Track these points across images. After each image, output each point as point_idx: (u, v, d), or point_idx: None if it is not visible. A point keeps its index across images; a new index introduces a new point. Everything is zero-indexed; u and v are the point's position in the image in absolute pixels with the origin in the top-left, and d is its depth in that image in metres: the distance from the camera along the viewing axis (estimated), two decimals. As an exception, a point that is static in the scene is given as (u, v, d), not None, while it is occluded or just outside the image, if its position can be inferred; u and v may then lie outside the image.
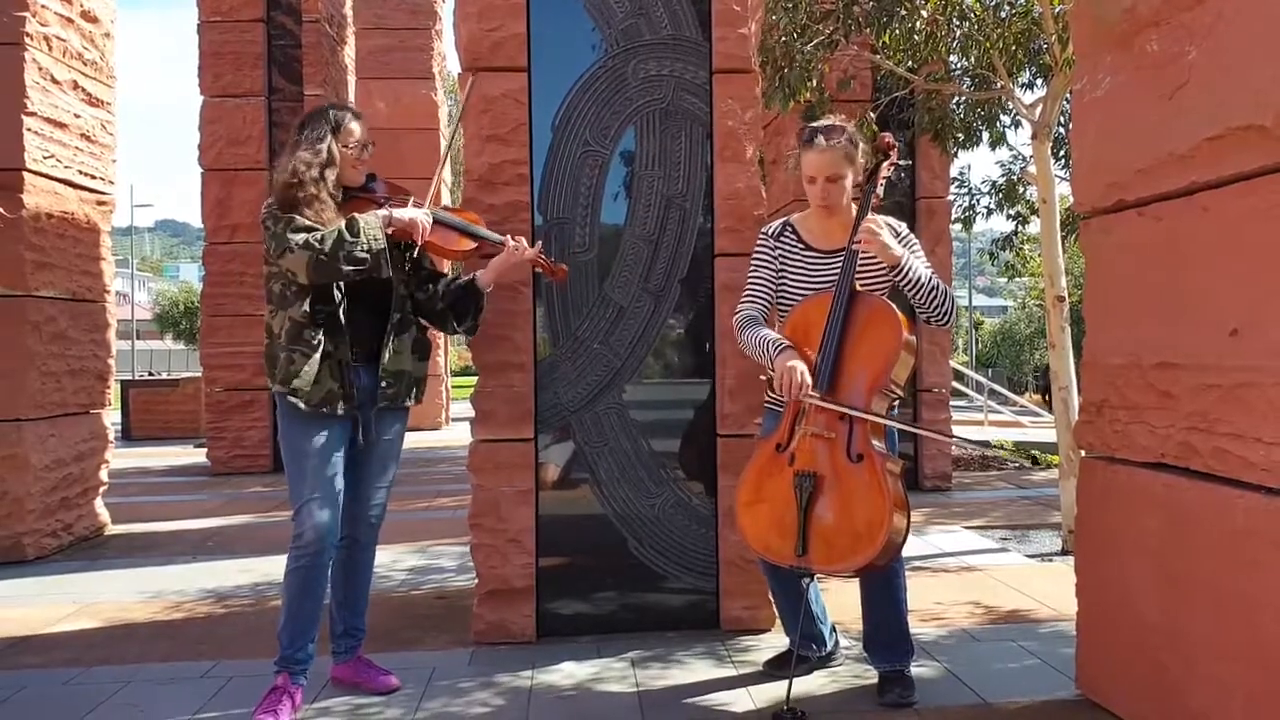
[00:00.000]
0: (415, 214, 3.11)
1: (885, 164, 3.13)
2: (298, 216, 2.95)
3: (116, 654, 3.66)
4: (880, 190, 3.10)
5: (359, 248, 2.92)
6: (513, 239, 3.30)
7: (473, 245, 3.28)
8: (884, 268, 3.02)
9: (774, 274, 3.16)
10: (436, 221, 3.22)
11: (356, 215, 2.99)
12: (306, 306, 2.97)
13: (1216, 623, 2.41)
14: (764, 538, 2.94)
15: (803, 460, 2.89)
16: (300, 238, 2.90)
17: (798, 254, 3.15)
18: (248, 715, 2.93)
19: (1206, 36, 2.40)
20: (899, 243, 3.02)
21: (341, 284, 3.00)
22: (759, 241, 3.22)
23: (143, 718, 3.03)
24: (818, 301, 3.01)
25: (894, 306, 2.96)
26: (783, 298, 3.16)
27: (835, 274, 3.03)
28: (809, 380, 2.86)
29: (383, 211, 3.07)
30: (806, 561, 2.85)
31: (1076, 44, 3.15)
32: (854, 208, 3.11)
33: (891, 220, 3.11)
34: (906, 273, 2.96)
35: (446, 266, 3.58)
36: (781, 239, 3.18)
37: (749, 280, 3.19)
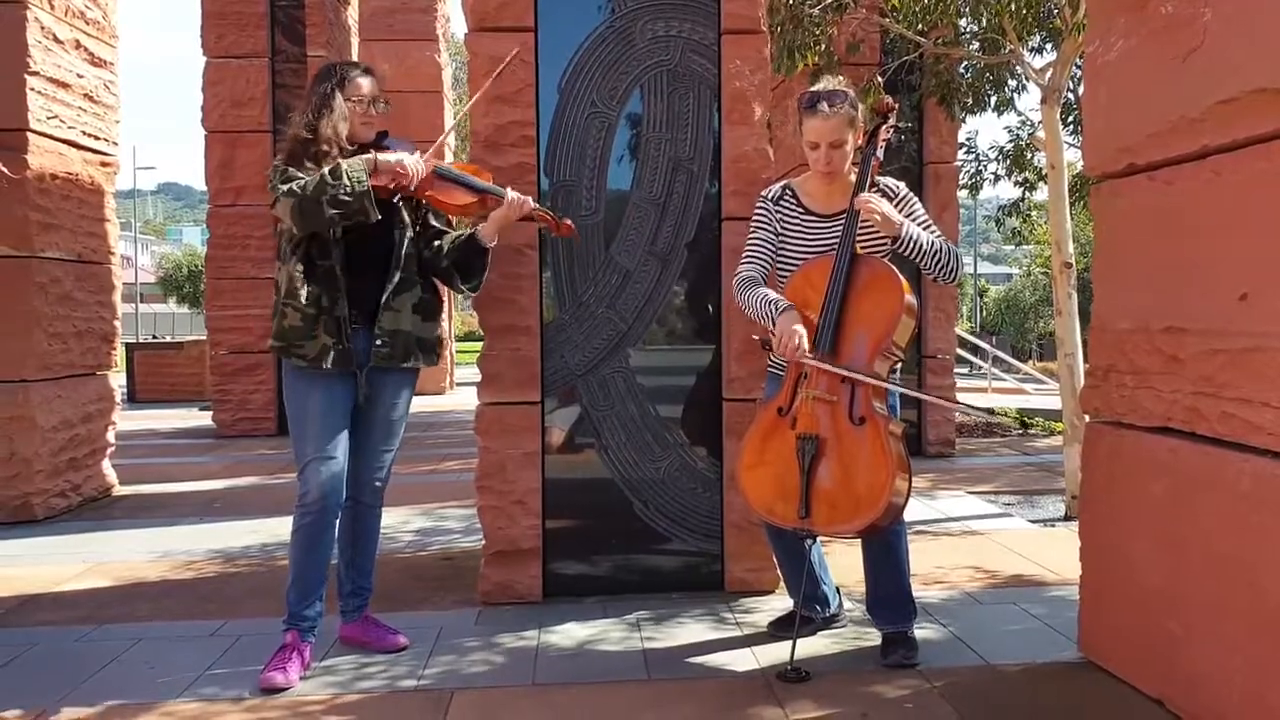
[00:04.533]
0: (403, 156, 3.03)
1: (885, 126, 3.11)
2: (291, 168, 2.99)
3: (127, 612, 3.70)
4: (880, 153, 3.08)
5: (341, 190, 2.90)
6: (512, 190, 3.21)
7: (473, 198, 3.18)
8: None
9: (773, 236, 3.15)
10: (436, 175, 3.16)
11: (340, 160, 2.98)
12: (301, 263, 2.99)
13: (1219, 587, 2.42)
14: (766, 500, 2.96)
15: (805, 423, 2.90)
16: (286, 185, 2.94)
17: (797, 218, 3.14)
18: (257, 672, 2.96)
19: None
20: (897, 205, 3.03)
21: (337, 236, 2.99)
22: (758, 204, 3.21)
23: (154, 674, 3.07)
24: (819, 264, 3.01)
25: (895, 269, 2.96)
26: (782, 261, 3.15)
27: (835, 238, 3.02)
28: (806, 345, 2.86)
29: (368, 155, 3.02)
30: (809, 524, 2.87)
31: (1089, 6, 3.12)
32: (854, 171, 3.09)
33: (890, 181, 3.10)
34: (907, 241, 2.96)
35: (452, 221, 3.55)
36: (781, 203, 3.17)
37: (748, 242, 3.18)
